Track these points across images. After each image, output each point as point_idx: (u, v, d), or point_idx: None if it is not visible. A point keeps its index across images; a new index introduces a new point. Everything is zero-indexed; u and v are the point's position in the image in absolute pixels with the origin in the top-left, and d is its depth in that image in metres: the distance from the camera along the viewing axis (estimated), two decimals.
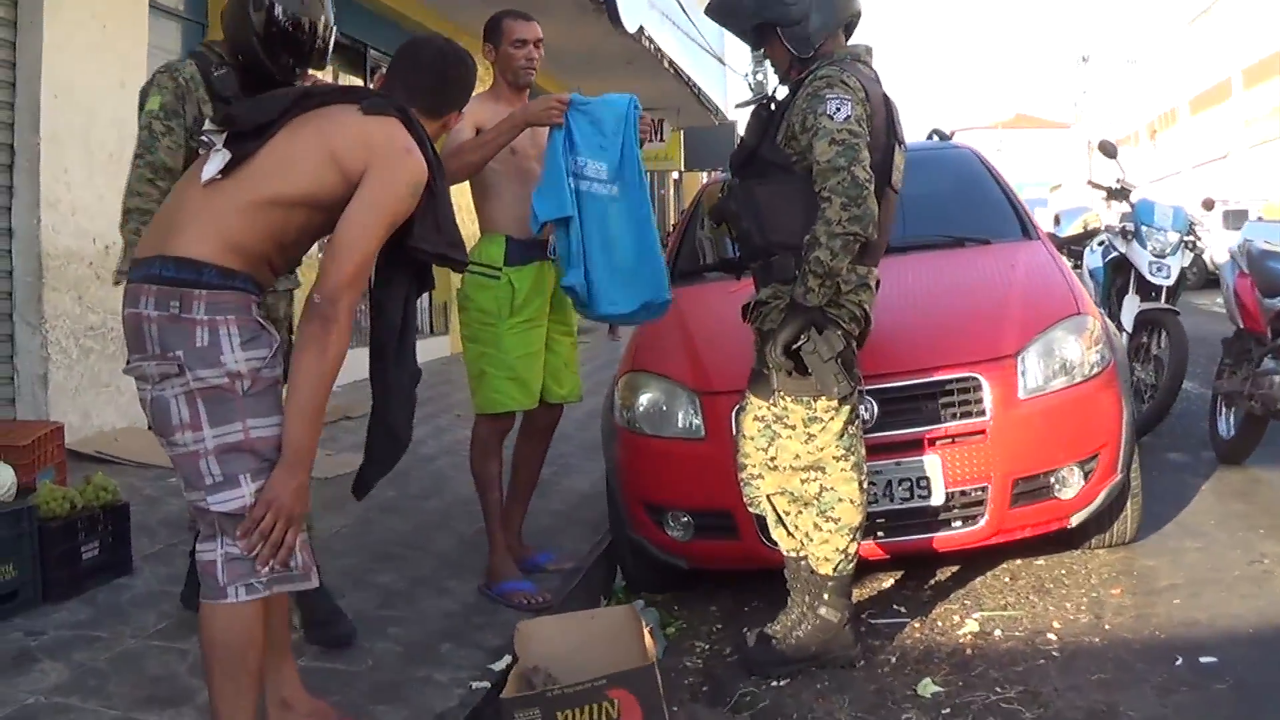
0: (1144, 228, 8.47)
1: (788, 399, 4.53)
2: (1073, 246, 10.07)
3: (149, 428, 3.48)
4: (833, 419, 4.52)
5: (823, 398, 4.48)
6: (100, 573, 5.29)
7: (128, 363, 3.43)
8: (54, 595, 5.23)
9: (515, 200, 5.38)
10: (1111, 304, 8.77)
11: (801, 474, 4.56)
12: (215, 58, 4.73)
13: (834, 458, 4.53)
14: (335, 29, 4.63)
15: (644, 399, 5.55)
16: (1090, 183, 9.74)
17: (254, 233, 3.36)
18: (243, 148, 3.40)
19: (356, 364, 5.74)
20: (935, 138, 7.97)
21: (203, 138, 3.52)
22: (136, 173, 4.60)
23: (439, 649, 4.78)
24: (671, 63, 19.96)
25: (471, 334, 5.54)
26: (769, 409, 4.60)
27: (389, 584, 5.60)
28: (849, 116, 4.34)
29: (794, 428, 4.54)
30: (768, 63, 4.98)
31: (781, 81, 4.80)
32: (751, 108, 4.88)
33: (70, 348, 7.75)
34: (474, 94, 5.11)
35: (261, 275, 3.43)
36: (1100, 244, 9.40)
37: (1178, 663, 4.38)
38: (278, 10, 4.54)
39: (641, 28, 16.78)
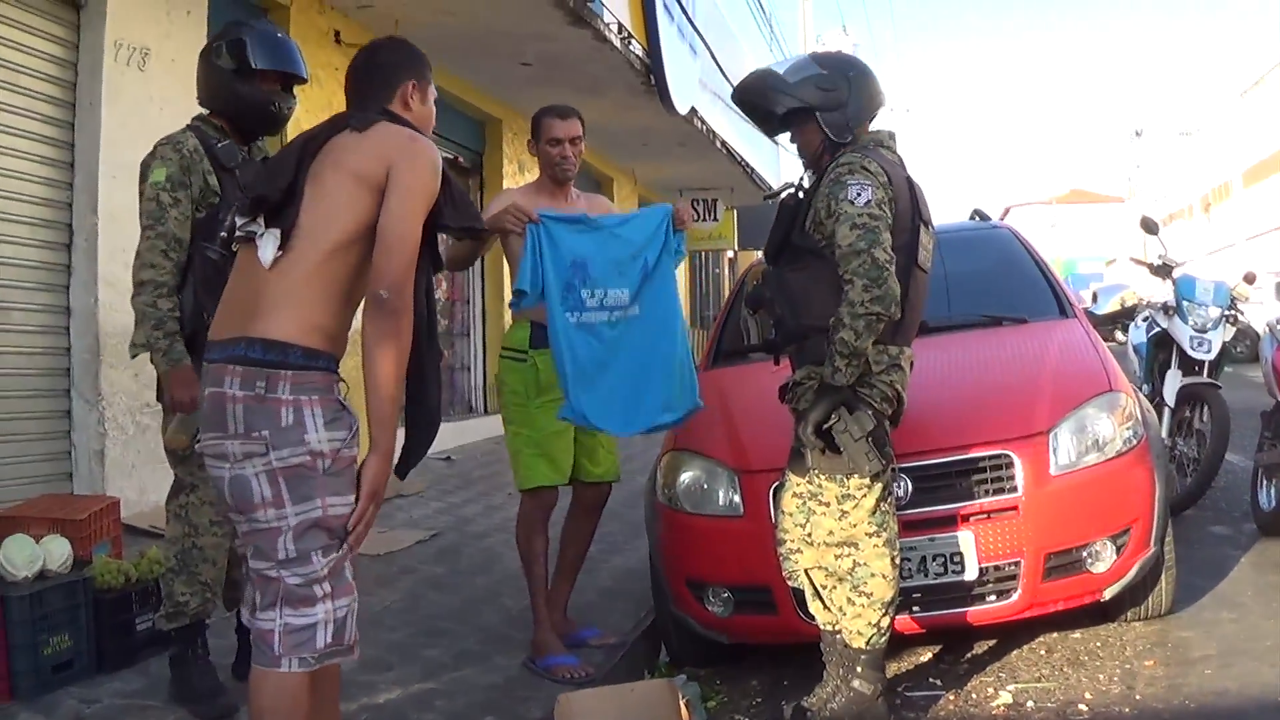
0: (1185, 303, 8.53)
1: (821, 477, 4.64)
2: (1110, 324, 10.12)
3: (226, 504, 3.57)
4: (865, 496, 4.62)
5: (855, 475, 4.59)
6: (154, 644, 5.38)
7: (197, 439, 3.58)
8: (109, 665, 5.38)
9: None
10: (1155, 379, 8.83)
11: (835, 549, 4.66)
12: (212, 129, 4.93)
13: (866, 534, 4.63)
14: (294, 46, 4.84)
15: (685, 477, 5.67)
16: (1133, 259, 9.82)
17: (329, 299, 3.48)
18: (283, 219, 3.53)
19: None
20: (976, 218, 8.08)
21: (242, 232, 3.64)
22: (148, 244, 4.75)
23: None
24: (724, 143, 20.16)
25: (508, 415, 5.79)
26: (805, 485, 4.72)
27: (435, 657, 5.72)
28: (869, 201, 4.49)
29: (828, 504, 4.65)
30: None
31: (809, 167, 4.94)
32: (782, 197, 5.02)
33: (127, 424, 7.87)
34: (521, 185, 5.26)
35: (340, 348, 3.55)
36: (1144, 320, 9.47)
37: None
38: (240, 42, 4.79)
39: (693, 109, 16.98)
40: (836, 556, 4.67)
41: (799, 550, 4.78)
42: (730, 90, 18.89)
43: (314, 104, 10.14)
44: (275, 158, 3.84)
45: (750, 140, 22.89)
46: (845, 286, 4.44)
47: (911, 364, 4.83)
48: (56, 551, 5.39)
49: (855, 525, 4.63)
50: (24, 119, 7.48)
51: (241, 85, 4.87)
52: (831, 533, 4.65)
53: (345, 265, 3.50)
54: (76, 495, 7.34)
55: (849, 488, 4.62)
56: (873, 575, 4.64)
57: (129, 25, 8.02)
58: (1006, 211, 30.48)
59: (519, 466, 5.74)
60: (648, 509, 6.04)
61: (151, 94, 8.01)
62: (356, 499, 3.45)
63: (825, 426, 4.53)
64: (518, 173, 15.57)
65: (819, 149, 4.88)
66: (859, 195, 4.51)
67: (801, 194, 4.87)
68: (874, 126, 4.96)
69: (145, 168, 4.90)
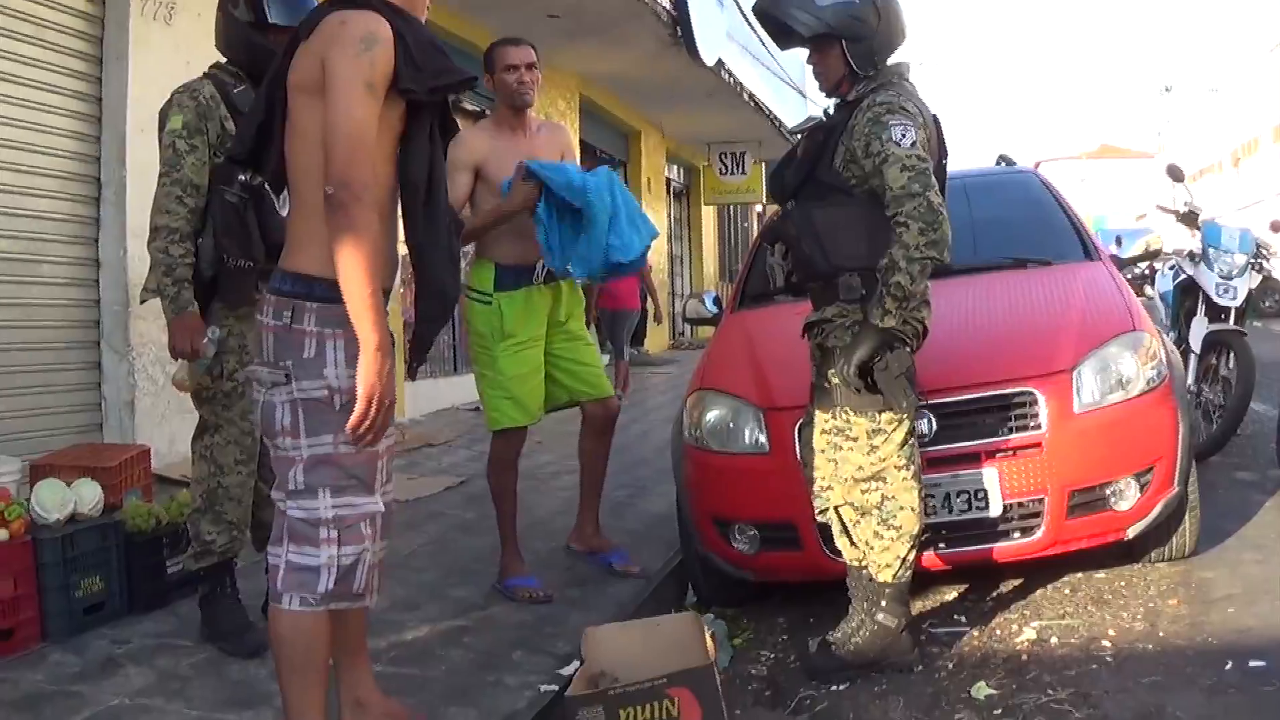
0: (1211, 250, 8.51)
1: (850, 412, 4.67)
2: (1134, 267, 10.10)
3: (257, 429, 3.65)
4: (895, 430, 4.66)
5: (887, 411, 4.62)
6: (185, 586, 5.47)
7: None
8: (140, 607, 5.48)
9: (505, 230, 5.67)
10: (1181, 326, 8.82)
11: (863, 485, 4.69)
12: (228, 76, 4.97)
13: (895, 467, 4.67)
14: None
15: (711, 416, 5.71)
16: (1159, 206, 9.80)
17: None
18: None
19: (438, 393, 5.97)
20: (1002, 164, 8.07)
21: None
22: (164, 190, 4.79)
23: (510, 656, 4.94)
24: (752, 95, 20.12)
25: (474, 356, 5.92)
26: (833, 421, 4.75)
27: (465, 596, 5.80)
28: (914, 142, 4.49)
29: (856, 439, 4.68)
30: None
31: (830, 95, 4.89)
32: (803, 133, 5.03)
33: (156, 374, 7.92)
34: (476, 124, 5.27)
35: (381, 274, 3.42)
36: (1171, 268, 9.45)
37: (1228, 667, 4.45)
38: None
39: (720, 61, 16.95)
40: (864, 491, 4.70)
41: (830, 487, 4.82)
42: (756, 41, 18.84)
43: None
44: (254, 99, 3.76)
45: (778, 93, 22.87)
46: (898, 229, 4.42)
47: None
48: (87, 495, 5.46)
49: (884, 459, 4.66)
50: (52, 74, 7.52)
51: (257, 37, 4.89)
52: (860, 468, 4.68)
53: None
54: (108, 444, 7.42)
55: (880, 422, 4.65)
56: (901, 509, 4.67)
57: None
58: (1036, 166, 30.33)
59: (487, 409, 5.88)
60: (674, 449, 6.08)
61: (178, 46, 8.00)
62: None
63: (869, 366, 4.57)
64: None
65: (840, 78, 4.83)
66: (904, 137, 4.50)
67: (825, 129, 4.84)
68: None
69: (163, 115, 4.95)
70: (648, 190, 21.56)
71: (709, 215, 27.94)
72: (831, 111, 4.92)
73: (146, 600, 5.51)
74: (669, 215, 24.42)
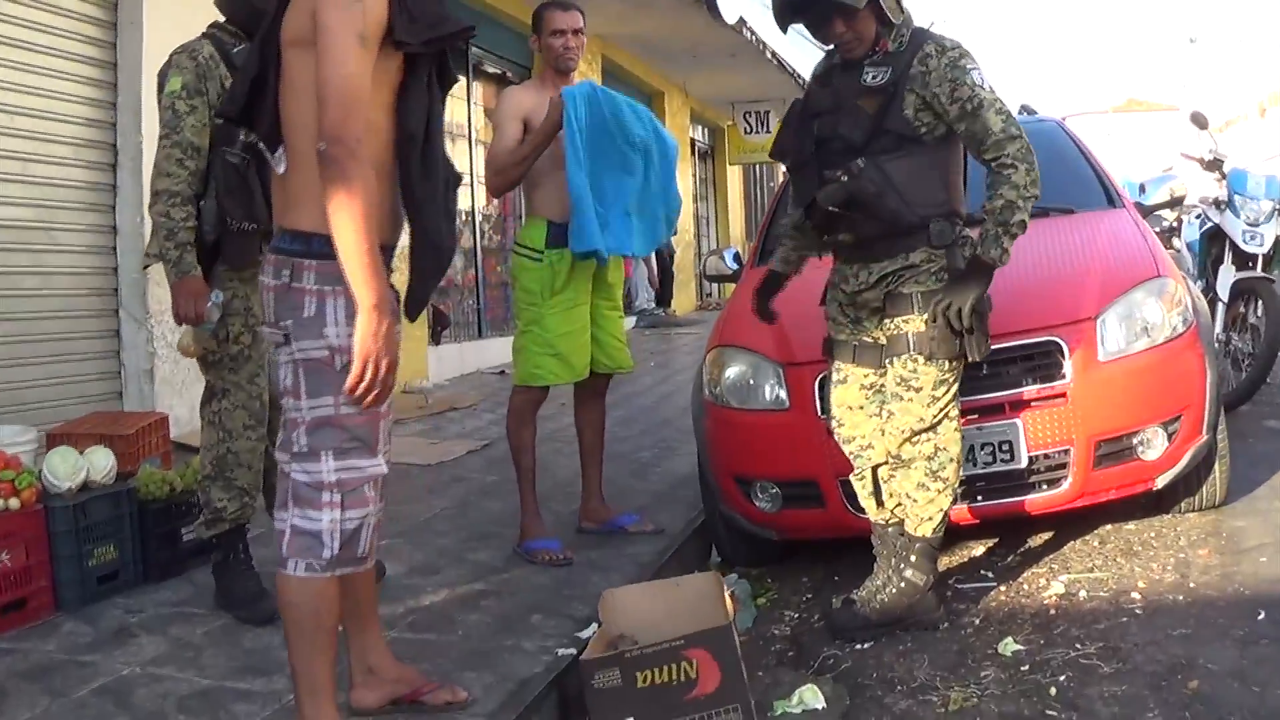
0: (1237, 197, 8.36)
1: (920, 360, 4.56)
2: (1165, 220, 9.96)
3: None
4: (955, 380, 4.60)
5: (955, 359, 4.55)
6: (201, 554, 5.42)
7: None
8: (155, 575, 5.44)
9: (557, 186, 5.64)
10: (1208, 275, 8.69)
11: (915, 436, 4.60)
12: (228, 36, 4.89)
13: (949, 416, 4.60)
14: None
15: (730, 373, 5.63)
16: (1184, 154, 9.64)
17: None
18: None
19: (465, 356, 5.94)
20: (1023, 114, 7.95)
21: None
22: (164, 152, 4.73)
23: (529, 619, 4.89)
24: (775, 54, 19.92)
25: (518, 311, 5.89)
26: (879, 376, 4.67)
27: (485, 560, 5.74)
28: (992, 87, 4.47)
29: (919, 390, 4.57)
30: None
31: (864, 57, 4.67)
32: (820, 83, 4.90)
33: (175, 341, 7.84)
34: (523, 83, 5.21)
35: (381, 230, 3.36)
36: (1197, 216, 9.30)
37: (1260, 617, 4.37)
38: None
39: (742, 19, 16.79)
40: (914, 443, 4.60)
41: (869, 445, 4.73)
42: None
43: None
44: (247, 56, 3.63)
45: (802, 50, 22.65)
46: (1006, 170, 4.42)
47: None
48: (100, 463, 5.42)
49: (944, 409, 4.59)
50: (66, 40, 7.47)
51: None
52: (921, 419, 4.58)
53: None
54: (125, 412, 7.39)
55: (947, 371, 4.57)
56: (951, 460, 4.60)
57: None
58: (1063, 121, 30.00)
59: (525, 363, 5.82)
60: (694, 406, 6.01)
61: (194, 10, 7.83)
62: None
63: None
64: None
65: (876, 35, 4.64)
66: (983, 80, 4.49)
67: (889, 80, 4.60)
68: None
69: (162, 77, 4.89)
70: None
71: (735, 175, 27.76)
72: (837, 61, 4.80)
73: (162, 568, 5.47)
74: (694, 176, 24.28)
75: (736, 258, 7.25)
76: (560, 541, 5.78)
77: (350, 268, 3.20)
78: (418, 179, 3.48)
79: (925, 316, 4.53)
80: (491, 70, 13.98)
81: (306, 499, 3.41)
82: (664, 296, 19.45)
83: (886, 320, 4.64)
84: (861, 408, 4.72)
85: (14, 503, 4.98)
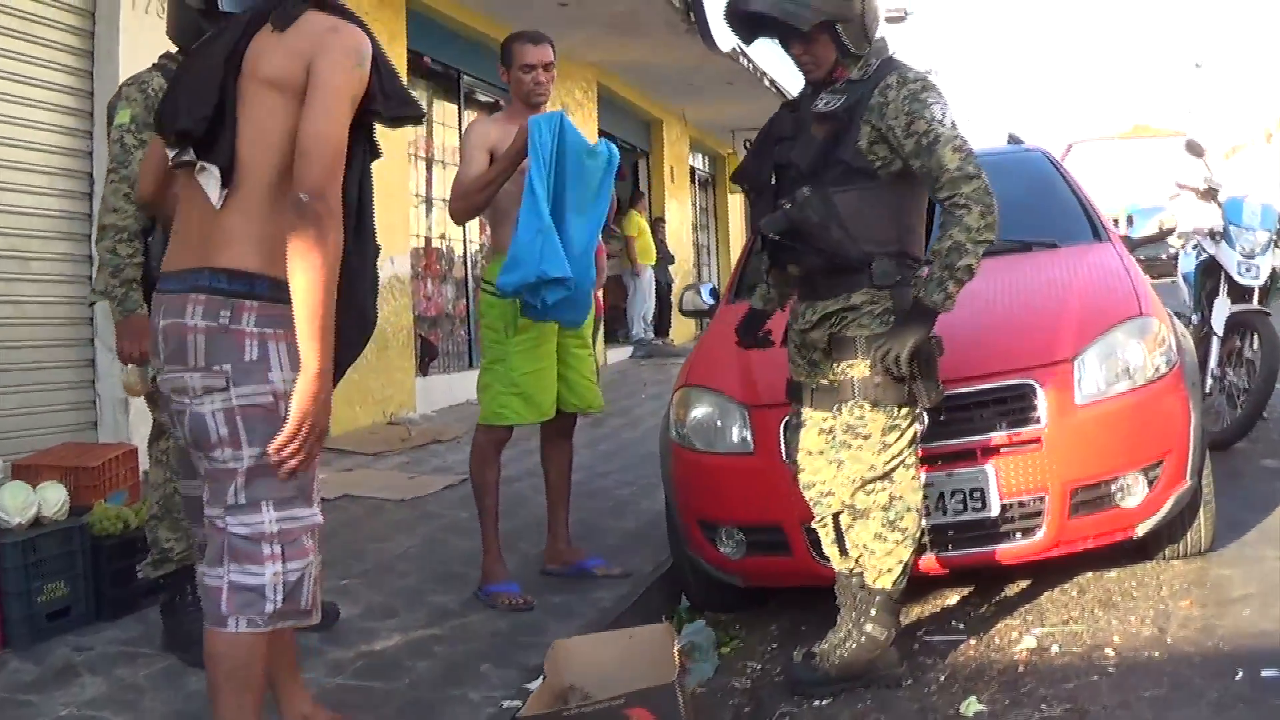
0: (1232, 228, 8.16)
1: (867, 407, 4.38)
2: (1170, 249, 9.78)
3: (184, 441, 3.39)
4: (909, 426, 4.40)
5: (905, 405, 4.35)
6: (155, 592, 5.21)
7: (160, 373, 3.38)
8: (108, 612, 5.33)
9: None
10: (1204, 307, 8.49)
11: (869, 485, 4.40)
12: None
13: (905, 465, 4.40)
14: None
15: (696, 414, 5.45)
16: (1179, 184, 9.46)
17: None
18: (218, 151, 3.28)
19: (455, 387, 5.81)
20: (1011, 143, 7.79)
21: (174, 162, 3.40)
22: (112, 188, 4.61)
23: (479, 668, 4.75)
24: (773, 81, 19.80)
25: (484, 348, 5.78)
26: (836, 420, 4.46)
27: (443, 604, 5.60)
28: (954, 122, 4.28)
29: (868, 437, 4.38)
30: None
31: (821, 82, 4.55)
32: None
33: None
34: (491, 115, 5.07)
35: None
36: (1194, 247, 9.11)
37: (1238, 676, 4.14)
38: None
39: (737, 47, 16.66)
40: (869, 492, 4.40)
41: (830, 493, 4.52)
42: None
43: None
44: (192, 73, 3.44)
45: (799, 77, 22.57)
46: (959, 211, 4.20)
47: None
48: (52, 498, 5.32)
49: (896, 457, 4.38)
50: (42, 69, 7.41)
51: (208, 26, 4.65)
52: (872, 467, 4.38)
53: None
54: (93, 444, 7.26)
55: (897, 417, 4.37)
56: (908, 509, 4.39)
57: None
58: (1069, 149, 29.69)
59: (489, 401, 5.68)
60: (661, 447, 5.82)
61: (170, 42, 7.87)
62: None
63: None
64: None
65: (834, 63, 4.51)
66: (944, 115, 4.28)
67: (836, 109, 4.45)
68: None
69: (111, 109, 4.78)
70: (671, 180, 21.31)
71: (736, 204, 27.62)
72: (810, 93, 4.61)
73: (115, 606, 5.35)
74: (695, 205, 24.18)
75: (713, 293, 7.06)
76: (520, 585, 5.62)
77: (307, 327, 3.14)
78: (352, 249, 3.37)
79: (869, 361, 4.34)
80: (484, 99, 13.86)
81: (246, 553, 3.24)
82: (662, 326, 19.30)
83: (835, 364, 4.45)
84: (821, 452, 4.51)
85: None
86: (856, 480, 4.40)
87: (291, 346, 3.19)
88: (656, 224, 19.56)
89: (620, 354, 17.71)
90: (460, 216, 5.83)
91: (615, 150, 5.68)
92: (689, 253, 22.54)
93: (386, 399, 11.17)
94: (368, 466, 9.07)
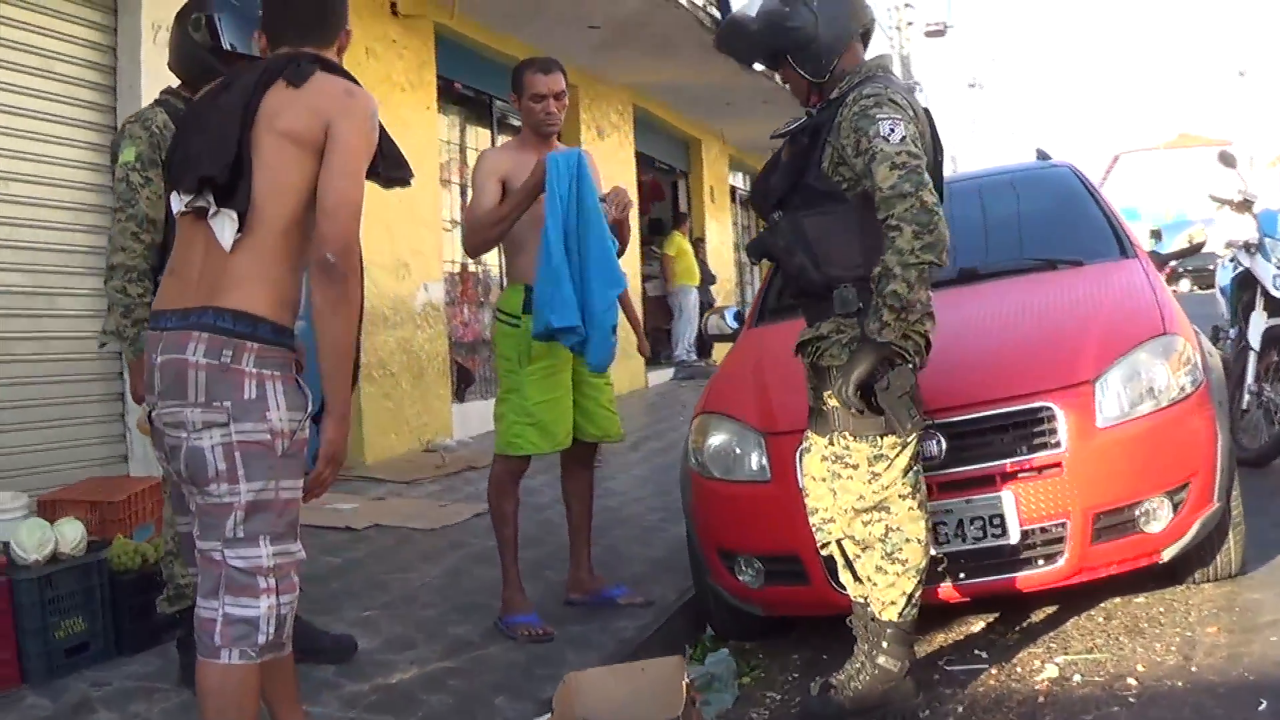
0: (1268, 240, 8.02)
1: (849, 437, 4.30)
2: (1197, 260, 9.63)
3: (179, 475, 3.46)
4: (899, 456, 4.29)
5: (890, 435, 4.25)
6: (175, 626, 5.17)
7: (155, 407, 3.43)
8: (128, 647, 5.34)
9: (536, 252, 5.41)
10: (1240, 321, 8.34)
11: (864, 515, 4.32)
12: (182, 102, 4.72)
13: (900, 496, 4.30)
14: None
15: (713, 441, 5.37)
16: (1213, 196, 9.30)
17: (295, 272, 3.43)
18: (235, 198, 3.38)
19: (490, 413, 5.78)
20: (1038, 158, 7.68)
21: (188, 208, 3.46)
22: (119, 226, 4.60)
23: (493, 701, 4.72)
24: None
25: (499, 377, 5.74)
26: (831, 448, 4.38)
27: (462, 635, 5.56)
28: (904, 137, 4.12)
29: (856, 467, 4.31)
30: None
31: (803, 105, 4.58)
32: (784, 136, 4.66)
33: None
34: (502, 144, 5.04)
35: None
36: (1231, 260, 8.96)
37: (1261, 707, 4.03)
38: (215, 18, 4.56)
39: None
40: (865, 523, 4.32)
41: (831, 519, 4.44)
42: None
43: (372, 76, 9.97)
44: (205, 120, 3.55)
45: None
46: (890, 233, 4.06)
47: None
48: (70, 534, 5.32)
49: (888, 487, 4.29)
50: (64, 105, 7.46)
51: (216, 64, 4.65)
52: (861, 497, 4.31)
53: (301, 236, 3.43)
54: (120, 477, 7.28)
55: (882, 448, 4.28)
56: (907, 541, 4.30)
57: (166, 7, 7.79)
58: (1115, 160, 29.48)
59: (504, 431, 5.64)
60: (681, 475, 5.75)
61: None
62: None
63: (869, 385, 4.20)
64: (596, 138, 15.30)
65: (806, 89, 4.52)
66: (892, 132, 4.13)
67: (809, 131, 4.48)
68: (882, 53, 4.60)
69: (115, 147, 4.80)
70: (711, 200, 21.25)
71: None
72: (815, 112, 4.55)
73: (135, 641, 5.35)
74: (736, 224, 24.08)
75: (738, 316, 6.97)
76: (540, 616, 5.56)
77: (336, 375, 3.38)
78: None
79: None
80: (517, 124, 13.78)
81: (242, 586, 3.32)
82: (705, 347, 19.20)
83: (821, 392, 4.37)
84: (824, 479, 4.43)
85: None
86: (848, 510, 4.34)
87: (288, 387, 3.36)
88: (697, 244, 19.49)
89: (662, 376, 17.63)
90: (473, 251, 5.85)
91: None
92: (731, 272, 22.43)
93: (423, 426, 11.14)
94: (400, 495, 9.03)
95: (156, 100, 4.84)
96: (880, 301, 4.10)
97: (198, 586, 3.42)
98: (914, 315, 4.22)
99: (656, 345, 18.46)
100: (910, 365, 4.26)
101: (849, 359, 4.23)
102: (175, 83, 4.94)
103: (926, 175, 4.13)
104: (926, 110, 4.49)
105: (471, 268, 13.09)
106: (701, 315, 18.73)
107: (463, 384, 12.36)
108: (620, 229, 5.66)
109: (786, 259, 4.43)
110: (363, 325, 3.83)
